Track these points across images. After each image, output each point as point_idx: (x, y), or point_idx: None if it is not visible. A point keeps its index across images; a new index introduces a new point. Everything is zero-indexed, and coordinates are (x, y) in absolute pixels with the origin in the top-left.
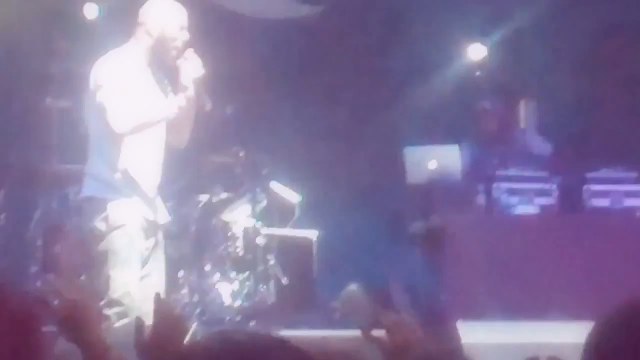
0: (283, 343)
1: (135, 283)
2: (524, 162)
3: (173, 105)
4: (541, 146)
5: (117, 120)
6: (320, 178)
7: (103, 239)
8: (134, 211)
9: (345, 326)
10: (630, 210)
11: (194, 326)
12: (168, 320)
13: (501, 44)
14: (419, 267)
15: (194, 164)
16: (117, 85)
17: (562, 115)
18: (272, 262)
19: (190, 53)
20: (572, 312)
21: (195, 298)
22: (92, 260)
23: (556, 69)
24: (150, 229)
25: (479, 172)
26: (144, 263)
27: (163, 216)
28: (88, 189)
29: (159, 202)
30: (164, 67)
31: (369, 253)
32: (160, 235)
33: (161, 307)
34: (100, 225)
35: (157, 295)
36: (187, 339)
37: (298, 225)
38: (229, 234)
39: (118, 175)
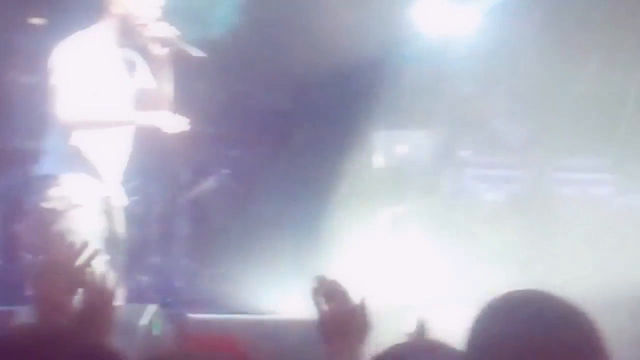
0: None
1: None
2: (492, 148)
3: (131, 116)
4: (511, 132)
5: (63, 110)
6: (287, 161)
7: (60, 218)
8: (91, 190)
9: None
10: (598, 198)
11: (155, 308)
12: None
13: (473, 31)
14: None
15: (159, 145)
16: (72, 72)
17: (531, 103)
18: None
19: (161, 29)
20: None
21: (159, 280)
22: (49, 239)
23: (526, 58)
24: (110, 209)
25: (448, 158)
26: (105, 244)
27: (122, 197)
28: (45, 166)
29: (119, 181)
30: (133, 47)
31: (334, 238)
32: (121, 216)
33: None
34: (56, 204)
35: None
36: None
37: (263, 206)
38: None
39: (74, 153)
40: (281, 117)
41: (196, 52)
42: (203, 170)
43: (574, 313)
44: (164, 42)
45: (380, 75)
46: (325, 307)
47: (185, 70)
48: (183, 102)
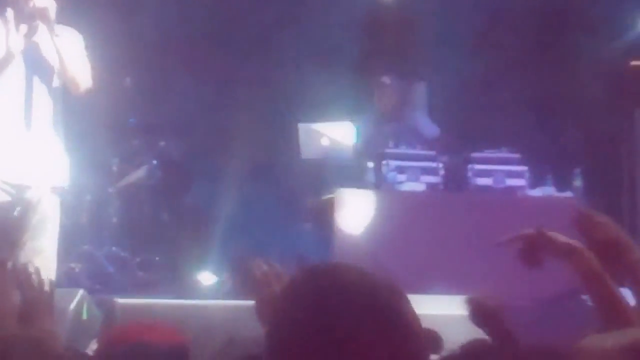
0: None
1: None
2: (412, 141)
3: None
4: (429, 126)
5: None
6: (216, 151)
7: None
8: (14, 179)
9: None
10: (512, 189)
11: (83, 293)
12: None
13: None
14: (309, 241)
15: (92, 134)
16: None
17: (449, 96)
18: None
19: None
20: (452, 286)
21: (89, 267)
22: None
23: (445, 51)
24: (17, 193)
25: (370, 149)
26: (35, 231)
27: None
28: None
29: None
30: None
31: (262, 226)
32: (51, 204)
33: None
34: None
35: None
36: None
37: (193, 197)
38: (125, 203)
39: None
40: (211, 108)
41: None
42: (133, 160)
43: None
44: (42, 14)
45: (302, 68)
46: (264, 290)
47: (118, 61)
48: (114, 93)
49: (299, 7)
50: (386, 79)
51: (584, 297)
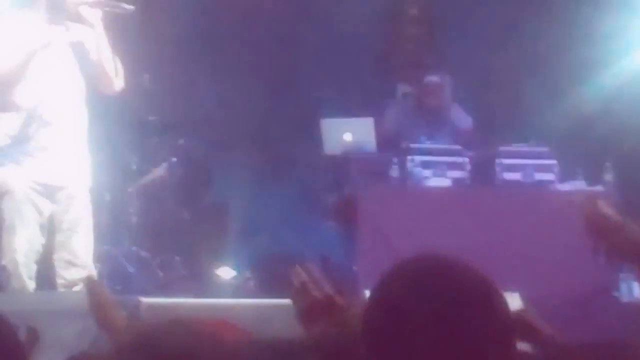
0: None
1: (23, 250)
2: (448, 133)
3: (48, 31)
4: (465, 117)
5: None
6: (237, 148)
7: None
8: (23, 176)
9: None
10: (541, 183)
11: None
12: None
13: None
14: (331, 238)
15: (111, 133)
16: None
17: (475, 89)
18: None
19: None
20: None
21: (108, 267)
22: None
23: (471, 43)
24: (49, 193)
25: (394, 144)
26: (69, 232)
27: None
28: None
29: (67, 163)
30: (64, 20)
31: (284, 224)
32: (83, 203)
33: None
34: None
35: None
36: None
37: (213, 195)
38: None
39: (4, 138)
40: (231, 105)
41: (124, 8)
42: (153, 159)
43: (474, 281)
44: (91, 4)
45: (328, 61)
46: (304, 299)
47: (136, 57)
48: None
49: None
50: (434, 77)
51: (616, 293)
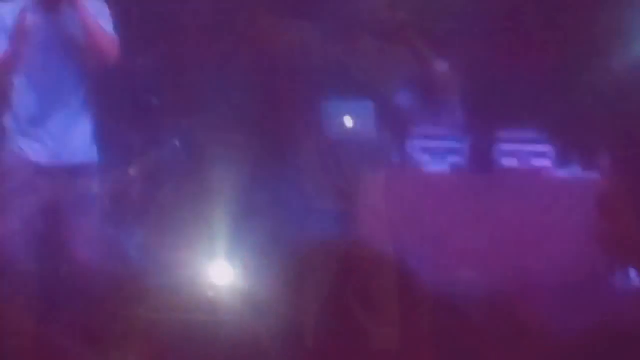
0: None
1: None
2: (438, 120)
3: None
4: (456, 105)
5: None
6: (238, 131)
7: None
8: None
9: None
10: (537, 169)
11: None
12: None
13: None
14: (332, 223)
15: (112, 115)
16: None
17: (473, 74)
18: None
19: None
20: (477, 268)
21: (112, 249)
22: None
23: (466, 29)
24: (56, 176)
25: (394, 129)
26: (82, 214)
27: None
28: None
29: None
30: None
31: (284, 208)
32: (95, 185)
33: None
34: None
35: None
36: None
37: (213, 179)
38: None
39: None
40: (233, 87)
41: None
42: (154, 141)
43: None
44: None
45: (325, 45)
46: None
47: (138, 39)
48: (135, 72)
49: None
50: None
51: (614, 280)
